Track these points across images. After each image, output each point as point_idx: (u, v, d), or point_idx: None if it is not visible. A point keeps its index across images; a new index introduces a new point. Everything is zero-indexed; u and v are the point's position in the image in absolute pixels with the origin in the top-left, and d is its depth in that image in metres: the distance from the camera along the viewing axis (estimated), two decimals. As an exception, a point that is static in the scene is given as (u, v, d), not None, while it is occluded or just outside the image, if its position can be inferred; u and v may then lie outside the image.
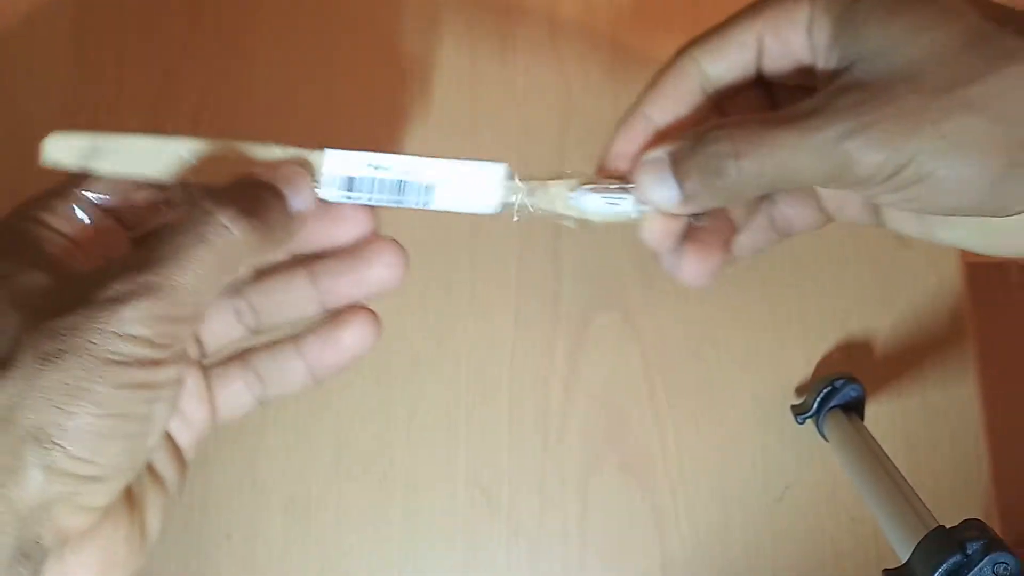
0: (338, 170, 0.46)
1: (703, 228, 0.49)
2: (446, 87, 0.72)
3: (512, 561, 0.69)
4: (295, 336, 0.50)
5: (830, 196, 0.52)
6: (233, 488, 0.68)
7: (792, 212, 0.52)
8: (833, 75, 0.44)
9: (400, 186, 0.46)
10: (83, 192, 0.46)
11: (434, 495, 0.69)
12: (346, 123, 0.71)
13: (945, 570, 0.49)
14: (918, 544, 0.52)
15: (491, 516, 0.69)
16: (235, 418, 0.50)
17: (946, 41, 0.41)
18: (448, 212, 0.48)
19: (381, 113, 0.71)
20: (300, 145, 0.46)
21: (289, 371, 0.50)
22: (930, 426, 0.72)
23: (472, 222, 0.70)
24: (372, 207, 0.48)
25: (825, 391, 0.68)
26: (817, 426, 0.69)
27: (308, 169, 0.46)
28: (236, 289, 0.49)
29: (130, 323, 0.39)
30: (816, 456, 0.71)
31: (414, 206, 0.47)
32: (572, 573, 0.70)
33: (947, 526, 0.52)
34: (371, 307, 0.51)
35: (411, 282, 0.69)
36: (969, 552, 0.49)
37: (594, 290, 0.71)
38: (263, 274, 0.50)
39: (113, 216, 0.47)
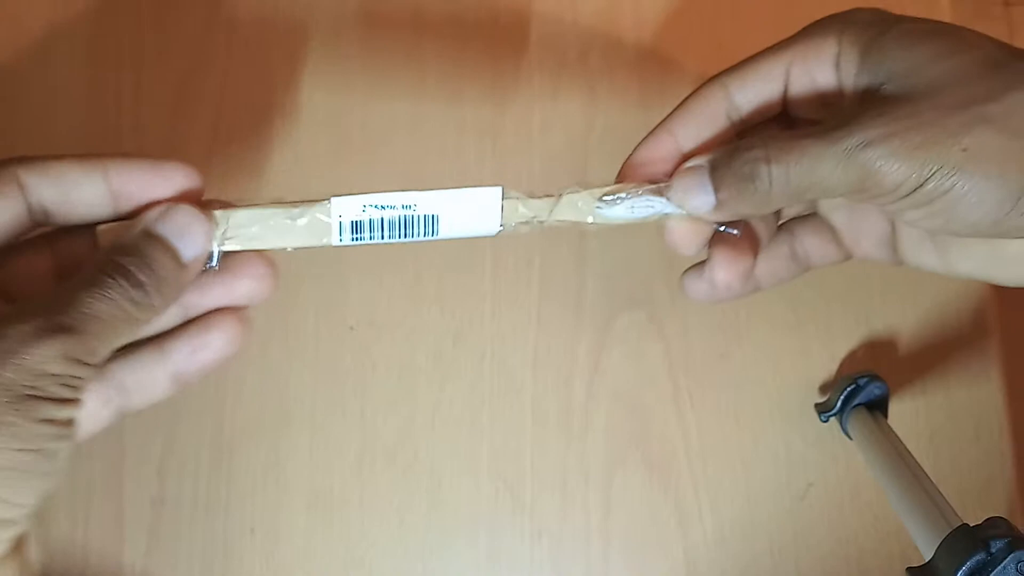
0: (346, 216, 0.47)
1: (731, 236, 0.50)
2: (473, 99, 0.73)
3: (535, 556, 0.70)
4: (157, 341, 0.48)
5: (847, 230, 0.54)
6: (256, 483, 0.69)
7: (811, 244, 0.54)
8: (860, 98, 0.46)
9: (405, 222, 0.47)
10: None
11: (457, 491, 0.70)
12: (364, 132, 0.72)
13: (969, 568, 0.49)
14: (941, 542, 0.52)
15: (514, 512, 0.70)
16: (92, 436, 0.47)
17: (966, 65, 0.43)
18: (453, 239, 0.49)
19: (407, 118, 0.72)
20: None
21: (153, 379, 0.48)
22: (954, 424, 0.72)
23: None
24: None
25: (849, 389, 0.68)
26: (841, 424, 0.69)
27: (214, 217, 0.46)
28: None
29: (44, 360, 0.38)
30: (840, 454, 0.71)
31: (421, 239, 0.48)
32: (595, 569, 0.70)
33: (971, 524, 0.52)
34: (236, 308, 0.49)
35: (434, 277, 0.70)
36: (993, 550, 0.49)
37: (618, 289, 0.71)
38: None
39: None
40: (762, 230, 0.52)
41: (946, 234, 0.47)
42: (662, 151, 0.50)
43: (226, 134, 0.69)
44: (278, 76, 0.70)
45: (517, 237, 0.69)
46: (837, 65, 0.47)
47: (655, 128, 0.51)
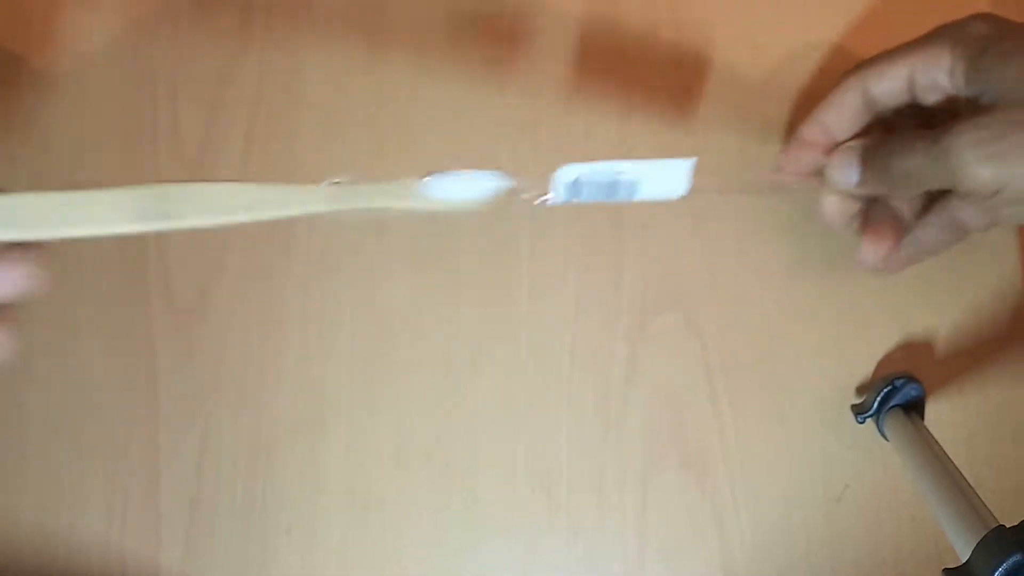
0: (565, 178, 0.52)
1: (877, 220, 0.62)
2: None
3: (572, 555, 0.70)
4: None
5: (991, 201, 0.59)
6: (293, 483, 0.69)
7: (964, 213, 0.61)
8: (968, 104, 0.55)
9: (612, 186, 0.53)
10: None
11: (493, 490, 0.70)
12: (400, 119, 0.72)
13: (1005, 569, 0.49)
14: (978, 543, 0.52)
15: (550, 512, 0.70)
16: None
17: None
18: (647, 201, 0.54)
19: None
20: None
21: None
22: (991, 425, 0.71)
23: (533, 221, 0.70)
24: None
25: (885, 390, 0.68)
26: (877, 426, 0.69)
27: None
28: None
29: None
30: (876, 456, 0.71)
31: (622, 199, 0.54)
32: (632, 570, 0.70)
33: (1008, 525, 0.52)
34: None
35: (471, 275, 0.70)
36: (1030, 551, 0.49)
37: (656, 289, 0.71)
38: None
39: None
40: (905, 211, 0.62)
41: None
42: (814, 135, 0.62)
43: (263, 130, 0.69)
44: (313, 71, 0.70)
45: (555, 237, 0.70)
46: (951, 74, 0.55)
47: (809, 116, 0.62)
